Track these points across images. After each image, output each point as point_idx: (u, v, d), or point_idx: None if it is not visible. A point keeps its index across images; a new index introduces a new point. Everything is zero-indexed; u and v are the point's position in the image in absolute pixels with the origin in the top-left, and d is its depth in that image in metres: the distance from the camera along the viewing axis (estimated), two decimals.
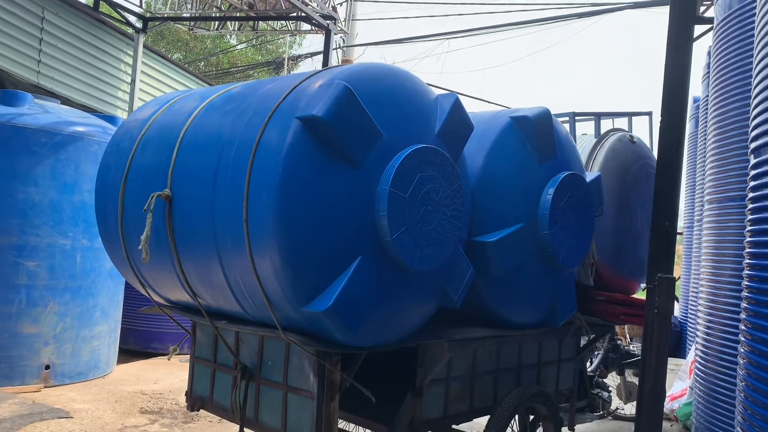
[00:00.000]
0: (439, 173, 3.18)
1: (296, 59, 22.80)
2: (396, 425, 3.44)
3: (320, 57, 14.66)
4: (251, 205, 2.84)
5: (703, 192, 5.18)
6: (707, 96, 5.66)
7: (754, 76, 3.02)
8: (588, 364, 5.77)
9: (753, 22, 3.63)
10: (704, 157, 5.58)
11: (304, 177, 2.79)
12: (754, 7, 3.47)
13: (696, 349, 4.94)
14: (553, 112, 4.10)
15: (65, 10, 10.14)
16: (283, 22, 13.13)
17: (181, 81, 13.06)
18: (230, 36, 23.44)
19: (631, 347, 7.00)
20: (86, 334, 6.78)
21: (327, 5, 12.45)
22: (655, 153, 5.10)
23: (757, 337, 2.77)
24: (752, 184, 3.00)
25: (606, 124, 6.26)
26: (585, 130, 6.62)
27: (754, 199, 2.98)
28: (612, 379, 6.19)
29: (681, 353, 8.36)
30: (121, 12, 12.32)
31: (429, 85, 3.54)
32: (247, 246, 2.87)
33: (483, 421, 3.94)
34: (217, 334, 3.65)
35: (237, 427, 3.57)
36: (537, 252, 3.95)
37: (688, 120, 5.45)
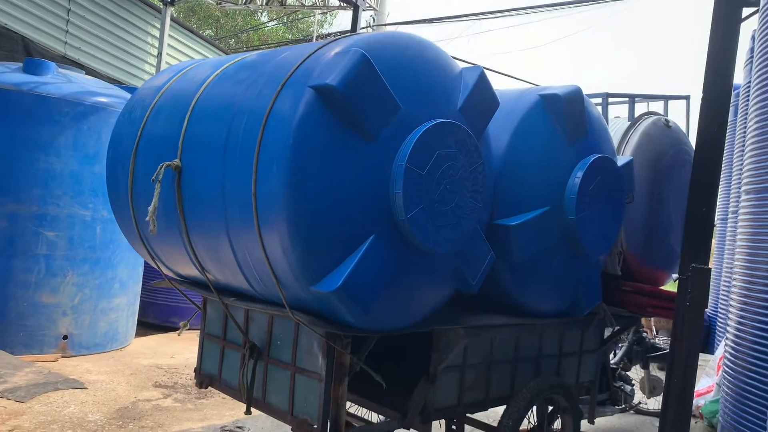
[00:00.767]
0: (459, 151, 3.01)
1: (325, 38, 22.63)
2: (408, 411, 3.32)
3: None
4: (260, 179, 2.71)
5: (740, 183, 4.94)
6: (749, 82, 5.40)
7: None
8: (611, 356, 5.60)
9: None
10: (742, 147, 5.33)
11: (315, 150, 2.64)
12: None
13: (726, 344, 4.75)
14: (585, 92, 3.91)
15: None
16: None
17: (207, 55, 12.99)
18: (260, 13, 23.31)
19: (657, 340, 6.81)
20: (104, 306, 6.79)
21: None
22: (692, 139, 4.86)
23: None
24: None
25: (640, 108, 6.02)
26: (618, 112, 6.39)
27: None
28: (635, 373, 6.01)
29: (709, 349, 8.11)
30: None
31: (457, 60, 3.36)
32: (256, 221, 2.74)
33: (499, 411, 3.81)
34: (226, 311, 3.55)
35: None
36: (562, 238, 3.78)
37: None
